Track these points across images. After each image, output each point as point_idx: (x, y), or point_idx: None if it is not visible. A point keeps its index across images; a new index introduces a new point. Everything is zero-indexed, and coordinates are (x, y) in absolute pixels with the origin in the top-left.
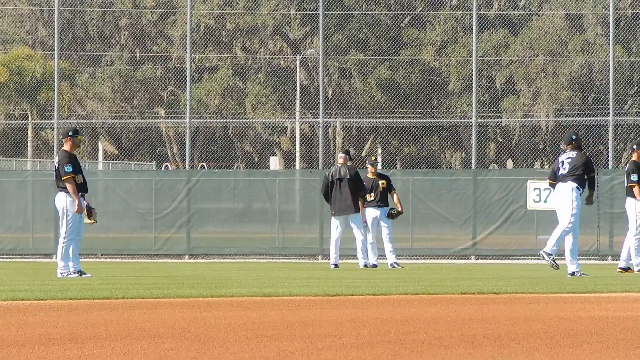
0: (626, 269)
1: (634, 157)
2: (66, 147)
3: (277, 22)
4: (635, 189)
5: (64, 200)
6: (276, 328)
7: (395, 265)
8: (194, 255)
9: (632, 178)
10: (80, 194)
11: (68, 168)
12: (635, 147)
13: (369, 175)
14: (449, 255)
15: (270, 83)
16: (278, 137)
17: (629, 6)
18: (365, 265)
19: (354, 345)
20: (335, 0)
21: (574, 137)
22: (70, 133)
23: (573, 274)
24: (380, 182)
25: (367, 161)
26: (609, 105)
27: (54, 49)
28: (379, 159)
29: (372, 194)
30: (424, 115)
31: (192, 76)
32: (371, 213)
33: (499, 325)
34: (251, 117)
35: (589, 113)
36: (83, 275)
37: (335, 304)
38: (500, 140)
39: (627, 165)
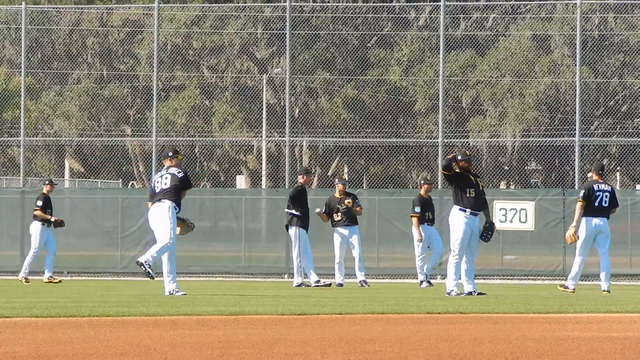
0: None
1: (422, 191)
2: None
3: (244, 41)
4: (414, 220)
5: None
6: (242, 347)
7: (364, 284)
8: (160, 273)
9: (415, 209)
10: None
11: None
12: (422, 182)
13: (337, 195)
14: (415, 274)
15: (237, 102)
16: (244, 155)
17: (596, 27)
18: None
19: None
20: (302, 20)
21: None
22: (170, 154)
23: (470, 293)
24: (346, 200)
25: (336, 179)
26: (575, 126)
27: (20, 67)
28: (346, 177)
29: (339, 213)
30: (390, 134)
31: (159, 95)
32: (340, 233)
33: (465, 345)
34: (218, 136)
35: (555, 134)
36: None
37: (301, 323)
38: None
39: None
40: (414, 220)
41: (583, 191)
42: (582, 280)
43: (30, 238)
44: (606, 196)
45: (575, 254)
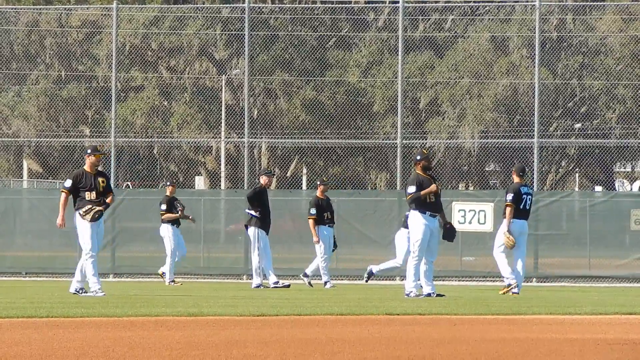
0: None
1: (318, 192)
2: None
3: (202, 42)
4: (311, 222)
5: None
6: (201, 348)
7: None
8: (119, 274)
9: (311, 212)
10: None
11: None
12: (319, 182)
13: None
14: (374, 276)
15: (195, 103)
16: (203, 156)
17: (554, 29)
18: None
19: None
20: (261, 21)
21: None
22: (88, 151)
23: (429, 294)
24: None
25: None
26: (534, 127)
27: None
28: (304, 179)
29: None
30: (349, 136)
31: (118, 95)
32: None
33: (424, 347)
34: (177, 137)
35: (514, 135)
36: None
37: (260, 324)
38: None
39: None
40: (311, 222)
41: (512, 194)
42: (541, 282)
43: (163, 240)
44: (529, 199)
45: (509, 256)
